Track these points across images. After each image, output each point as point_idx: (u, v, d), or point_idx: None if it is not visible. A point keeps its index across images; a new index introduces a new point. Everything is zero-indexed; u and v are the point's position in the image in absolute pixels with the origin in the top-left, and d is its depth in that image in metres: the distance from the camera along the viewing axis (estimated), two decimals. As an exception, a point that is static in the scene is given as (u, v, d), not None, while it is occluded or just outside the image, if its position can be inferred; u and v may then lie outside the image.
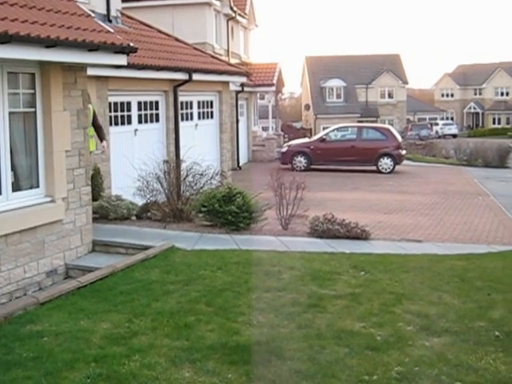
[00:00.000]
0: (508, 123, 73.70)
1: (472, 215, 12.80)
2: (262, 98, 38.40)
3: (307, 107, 60.99)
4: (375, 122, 52.09)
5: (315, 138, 24.56)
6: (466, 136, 58.44)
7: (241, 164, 24.01)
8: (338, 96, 61.23)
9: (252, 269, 7.56)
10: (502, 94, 77.26)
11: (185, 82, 14.68)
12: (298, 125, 58.92)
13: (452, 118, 71.93)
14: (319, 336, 5.42)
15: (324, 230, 9.75)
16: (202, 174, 11.43)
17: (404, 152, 22.86)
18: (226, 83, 18.56)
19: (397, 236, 10.31)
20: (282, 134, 36.19)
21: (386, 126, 25.93)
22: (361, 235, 9.75)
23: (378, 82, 63.12)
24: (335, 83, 61.01)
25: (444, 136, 56.65)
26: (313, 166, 22.52)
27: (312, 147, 22.79)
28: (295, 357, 4.96)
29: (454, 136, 57.93)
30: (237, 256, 8.17)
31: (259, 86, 29.56)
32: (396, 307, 6.23)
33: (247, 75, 20.48)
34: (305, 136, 35.18)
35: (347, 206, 13.85)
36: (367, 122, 45.59)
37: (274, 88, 30.14)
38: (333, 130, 23.59)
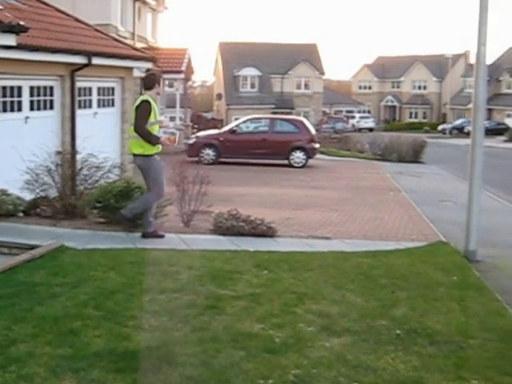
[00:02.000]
0: (425, 117, 76.54)
1: (382, 211, 13.19)
2: (171, 85, 38.09)
3: (219, 97, 61.05)
4: (290, 113, 52.70)
5: (225, 129, 24.58)
6: (383, 130, 60.22)
7: (144, 156, 23.70)
8: (252, 85, 61.63)
9: (148, 269, 7.47)
10: (420, 88, 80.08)
11: (83, 66, 14.32)
12: (209, 115, 58.92)
13: (369, 111, 73.86)
14: (215, 339, 5.41)
15: (228, 227, 9.77)
16: (98, 167, 11.20)
17: (317, 145, 23.23)
18: (130, 69, 18.27)
19: (305, 233, 10.47)
20: (191, 124, 36.05)
21: (299, 118, 26.24)
22: (267, 232, 9.83)
23: (294, 72, 63.95)
24: (249, 72, 61.36)
25: (360, 129, 58.14)
26: (222, 159, 22.54)
27: (221, 139, 22.81)
28: (188, 362, 4.93)
29: (371, 130, 59.61)
30: (132, 255, 8.06)
31: (167, 72, 29.23)
32: (297, 307, 6.31)
33: (153, 61, 20.22)
34: (215, 127, 35.19)
35: (256, 201, 13.96)
36: (282, 113, 46.05)
37: (182, 75, 29.98)
38: (244, 122, 23.70)
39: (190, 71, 32.64)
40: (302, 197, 15.04)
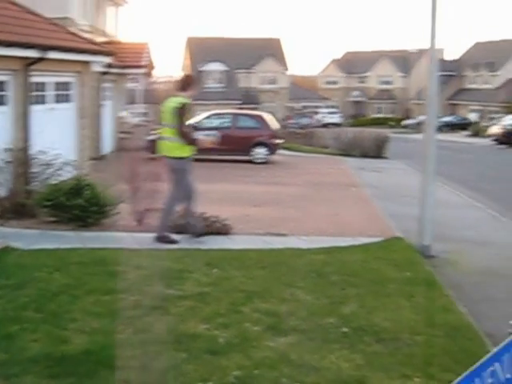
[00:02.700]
0: (391, 113, 77.10)
1: (342, 207, 13.18)
2: (137, 81, 37.65)
3: (184, 92, 60.68)
4: (256, 109, 52.64)
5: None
6: (349, 125, 60.50)
7: (104, 153, 23.42)
8: (218, 81, 61.42)
9: (95, 269, 7.33)
10: (385, 83, 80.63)
11: (38, 60, 14.03)
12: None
13: (336, 107, 74.15)
14: (157, 341, 5.31)
15: (181, 225, 9.65)
16: (49, 164, 11.00)
17: (279, 141, 23.11)
18: (88, 63, 17.97)
19: (262, 230, 10.39)
20: (154, 120, 35.73)
21: (261, 113, 26.08)
22: (221, 230, 9.75)
23: (259, 67, 63.92)
24: (215, 67, 61.15)
25: (327, 125, 58.32)
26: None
27: (183, 135, 22.57)
28: (126, 365, 4.81)
29: (337, 125, 59.82)
30: (80, 255, 7.91)
31: (128, 67, 28.90)
32: (245, 306, 6.23)
33: (112, 55, 19.91)
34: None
35: (215, 198, 13.82)
36: (248, 109, 45.93)
37: (143, 70, 29.63)
38: (205, 118, 23.52)
39: (151, 66, 32.31)
40: (263, 193, 14.96)
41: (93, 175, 15.98)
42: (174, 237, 9.08)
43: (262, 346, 5.29)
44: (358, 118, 75.73)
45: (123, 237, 9.14)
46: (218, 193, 14.77)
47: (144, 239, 9.03)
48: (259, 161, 21.89)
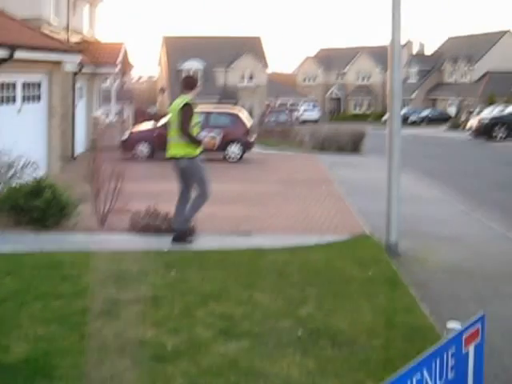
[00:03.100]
0: (370, 108, 77.14)
1: (311, 204, 13.01)
2: (112, 80, 37.28)
3: (162, 91, 60.37)
4: (234, 106, 52.41)
5: (160, 123, 24.04)
6: (328, 121, 60.37)
7: (77, 153, 23.07)
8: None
9: (49, 273, 7.12)
10: (364, 79, 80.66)
11: (6, 59, 13.75)
12: (153, 110, 58.15)
13: (314, 103, 73.99)
14: (102, 348, 5.10)
15: (144, 226, 9.44)
16: (10, 166, 10.74)
17: (253, 138, 22.92)
18: (59, 63, 17.72)
19: (228, 229, 10.20)
20: (127, 119, 35.43)
21: (234, 110, 25.79)
22: (185, 229, 9.53)
23: (237, 64, 63.65)
24: (193, 65, 60.79)
25: (305, 122, 58.15)
26: (158, 155, 22.04)
27: (156, 134, 22.30)
28: (65, 375, 4.61)
29: (316, 122, 59.65)
30: (35, 259, 7.68)
31: (102, 66, 28.57)
32: (199, 309, 6.03)
33: (84, 54, 19.64)
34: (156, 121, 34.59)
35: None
36: (226, 106, 45.65)
37: (117, 69, 29.31)
38: (178, 116, 23.22)
39: (126, 65, 32.00)
40: (233, 191, 14.75)
41: (62, 176, 15.76)
42: (190, 238, 9.05)
43: (212, 351, 5.09)
44: (336, 114, 75.67)
45: (83, 238, 8.92)
46: (187, 192, 14.56)
47: (104, 240, 8.80)
48: (233, 159, 21.65)
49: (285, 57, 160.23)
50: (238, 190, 15.07)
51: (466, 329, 3.01)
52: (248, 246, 8.89)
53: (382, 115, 70.31)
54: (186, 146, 8.91)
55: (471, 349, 3.06)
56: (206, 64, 61.25)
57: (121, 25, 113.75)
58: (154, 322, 5.70)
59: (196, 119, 9.10)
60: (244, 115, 23.37)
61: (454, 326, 2.98)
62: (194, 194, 9.26)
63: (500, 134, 34.50)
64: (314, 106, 70.84)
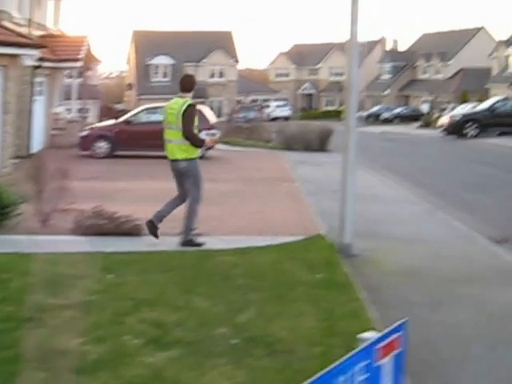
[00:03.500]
0: (342, 105, 77.22)
1: (270, 204, 12.79)
2: (80, 75, 36.75)
3: (129, 87, 59.88)
4: (203, 103, 52.10)
5: (120, 120, 23.68)
6: (300, 118, 60.28)
7: (34, 151, 22.58)
8: (165, 75, 60.73)
9: (-23, 277, 6.79)
10: (337, 75, 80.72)
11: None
12: (120, 107, 57.62)
13: (286, 100, 73.92)
14: (19, 359, 4.82)
15: (89, 226, 9.15)
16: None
17: (217, 135, 22.63)
18: (16, 56, 17.34)
19: (177, 230, 9.91)
20: (91, 116, 34.97)
21: (198, 106, 25.48)
22: (132, 230, 9.26)
23: (208, 60, 63.37)
24: (162, 60, 60.44)
25: (276, 119, 58.03)
26: (118, 152, 21.69)
27: (116, 131, 21.95)
28: (-27, 390, 4.33)
29: (287, 119, 59.54)
30: (-35, 262, 7.35)
31: (64, 61, 28.07)
32: (130, 316, 5.78)
33: (43, 48, 19.23)
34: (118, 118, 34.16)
35: (138, 197, 13.33)
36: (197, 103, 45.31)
37: (79, 64, 28.83)
38: (140, 112, 22.93)
39: (90, 60, 31.50)
40: (190, 190, 14.49)
41: (14, 174, 15.38)
42: (200, 239, 8.95)
43: (137, 362, 4.85)
44: (308, 110, 75.64)
45: (22, 240, 8.60)
46: (142, 191, 14.27)
47: (45, 242, 8.50)
48: (195, 156, 21.35)
49: (258, 52, 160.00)
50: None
51: (381, 339, 2.79)
52: (196, 248, 8.67)
53: (355, 112, 70.55)
54: (188, 148, 8.77)
55: (387, 361, 2.85)
56: (176, 60, 60.81)
57: (89, 19, 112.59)
58: (81, 329, 5.43)
59: (197, 121, 8.96)
60: (206, 111, 23.09)
61: (367, 335, 2.78)
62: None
63: (471, 132, 34.57)
64: (286, 103, 70.72)
